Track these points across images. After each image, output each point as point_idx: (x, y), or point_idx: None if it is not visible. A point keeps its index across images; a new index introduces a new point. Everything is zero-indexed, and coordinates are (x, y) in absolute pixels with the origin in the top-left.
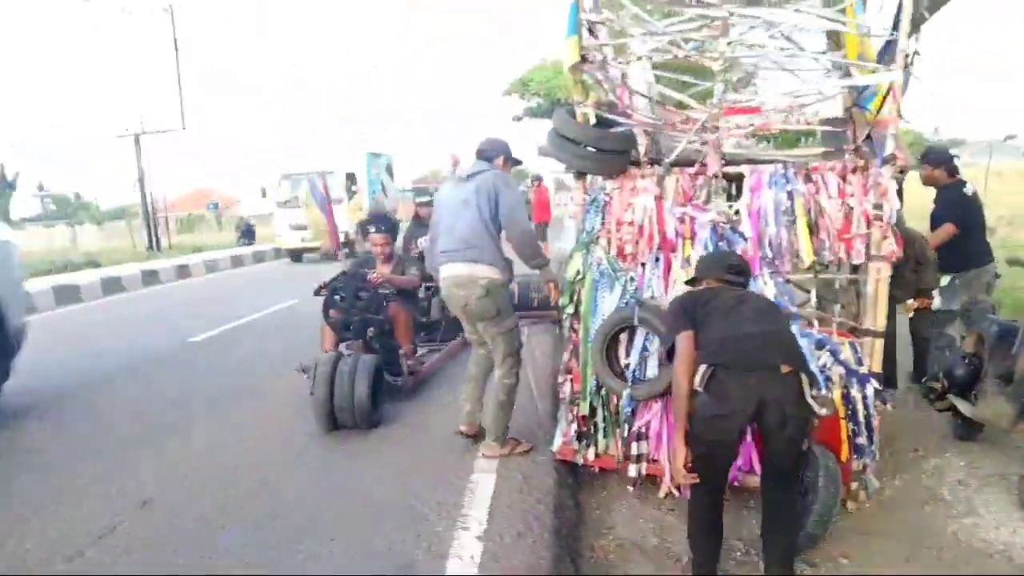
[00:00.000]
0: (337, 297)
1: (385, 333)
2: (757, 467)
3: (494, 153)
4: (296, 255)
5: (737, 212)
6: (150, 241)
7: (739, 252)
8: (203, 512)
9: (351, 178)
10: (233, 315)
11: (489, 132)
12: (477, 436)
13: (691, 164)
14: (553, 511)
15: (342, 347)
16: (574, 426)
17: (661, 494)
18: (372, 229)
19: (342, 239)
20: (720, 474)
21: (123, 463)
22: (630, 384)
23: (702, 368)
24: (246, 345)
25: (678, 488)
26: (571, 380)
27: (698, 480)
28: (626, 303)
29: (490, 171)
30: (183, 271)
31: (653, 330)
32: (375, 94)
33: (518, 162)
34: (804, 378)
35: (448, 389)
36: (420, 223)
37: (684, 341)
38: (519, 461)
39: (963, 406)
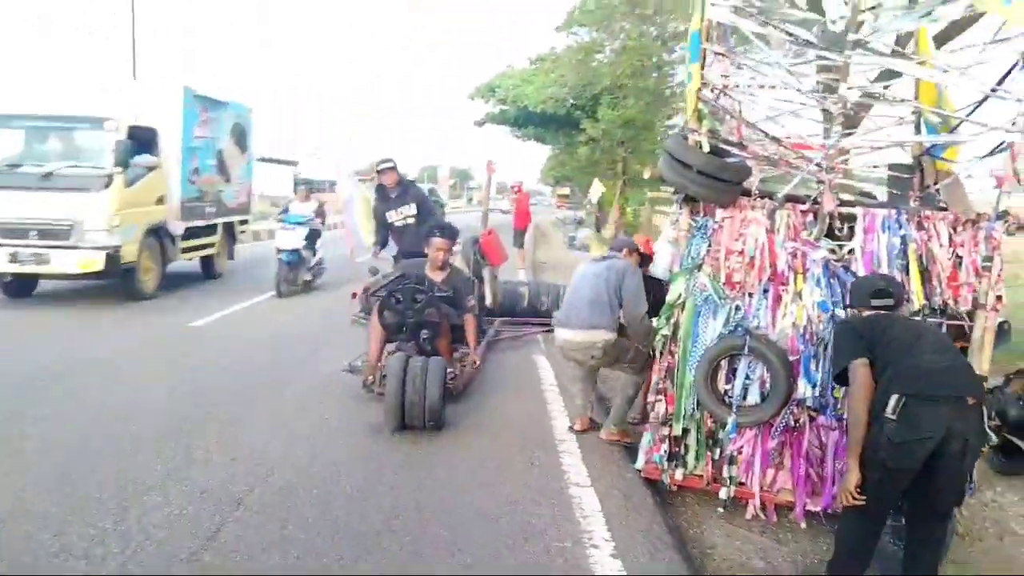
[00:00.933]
0: (393, 299)
1: (437, 337)
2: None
3: (620, 246)
4: (15, 286)
5: (851, 251)
6: None
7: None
8: (303, 517)
9: (145, 140)
10: (229, 300)
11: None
12: (585, 431)
13: (797, 200)
14: (667, 531)
15: (389, 347)
16: (664, 446)
17: (748, 516)
18: (437, 234)
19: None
20: (890, 502)
21: (191, 455)
22: (734, 410)
23: (894, 397)
24: (250, 331)
25: (764, 510)
26: (664, 401)
27: (864, 504)
28: (732, 331)
29: (620, 259)
30: None
31: (762, 360)
32: (379, 102)
33: (646, 259)
34: (984, 411)
35: (488, 391)
36: (384, 194)
37: (862, 369)
38: (611, 477)
39: None
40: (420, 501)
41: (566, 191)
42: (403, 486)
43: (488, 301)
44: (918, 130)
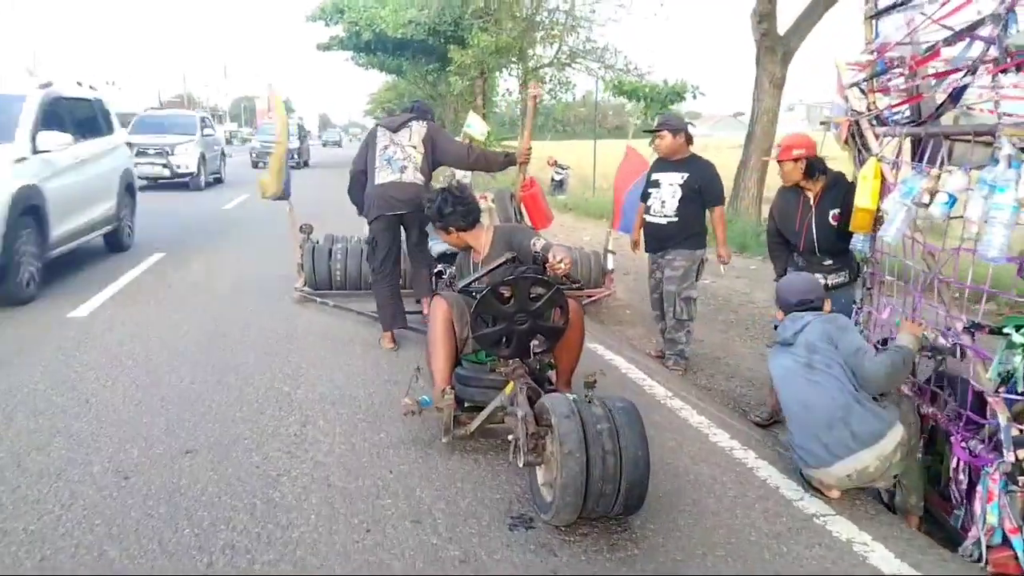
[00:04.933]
0: (498, 297)
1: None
2: None
3: (807, 292)
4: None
5: None
6: None
7: None
8: None
9: None
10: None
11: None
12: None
13: None
14: None
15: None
16: None
17: None
18: (449, 210)
19: None
20: None
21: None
22: None
23: None
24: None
25: None
26: None
27: None
28: None
29: (813, 320)
30: None
31: None
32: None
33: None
34: None
35: None
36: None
37: None
38: None
39: None
40: None
41: None
42: None
43: None
44: None
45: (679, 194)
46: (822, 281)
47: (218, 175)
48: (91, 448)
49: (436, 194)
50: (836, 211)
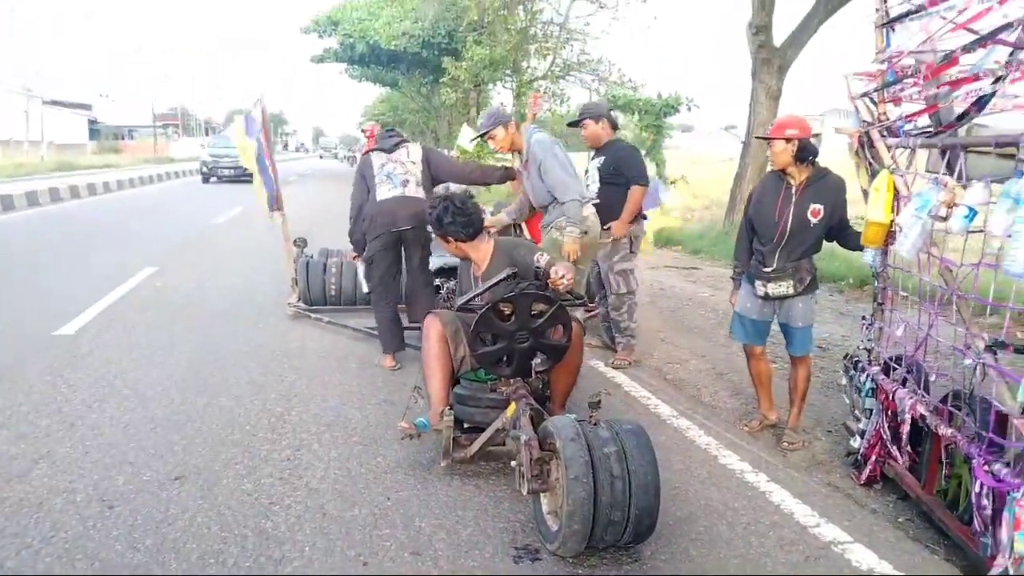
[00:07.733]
0: (498, 313)
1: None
2: None
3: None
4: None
5: None
6: None
7: None
8: None
9: None
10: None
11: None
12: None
13: None
14: None
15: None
16: None
17: None
18: (449, 220)
19: None
20: None
21: None
22: None
23: None
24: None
25: None
26: None
27: None
28: None
29: None
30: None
31: None
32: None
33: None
34: None
35: None
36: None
37: None
38: None
39: None
40: None
41: None
42: None
43: None
44: None
45: (597, 177)
46: (762, 290)
47: None
48: (75, 474)
49: (437, 202)
50: (818, 206)
